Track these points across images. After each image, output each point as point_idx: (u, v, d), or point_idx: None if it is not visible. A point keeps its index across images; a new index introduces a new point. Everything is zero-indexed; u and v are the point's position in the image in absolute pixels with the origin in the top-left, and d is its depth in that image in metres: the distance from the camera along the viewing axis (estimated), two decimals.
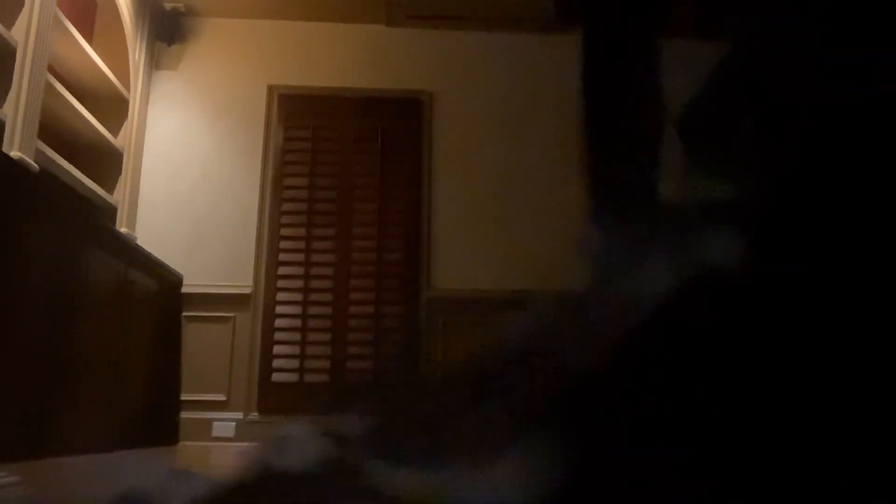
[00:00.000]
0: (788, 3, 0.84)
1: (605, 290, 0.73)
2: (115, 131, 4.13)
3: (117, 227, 4.05)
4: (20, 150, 2.98)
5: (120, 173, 4.15)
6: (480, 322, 4.42)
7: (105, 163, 4.10)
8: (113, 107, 4.16)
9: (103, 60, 3.90)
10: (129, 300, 3.40)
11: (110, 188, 4.08)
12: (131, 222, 4.24)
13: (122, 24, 4.15)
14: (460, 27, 4.84)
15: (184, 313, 4.24)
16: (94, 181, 3.78)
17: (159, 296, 3.90)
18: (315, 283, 4.40)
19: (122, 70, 4.17)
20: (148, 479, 0.73)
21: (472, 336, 4.38)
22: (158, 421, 3.81)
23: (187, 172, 4.51)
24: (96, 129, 3.82)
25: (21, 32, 3.06)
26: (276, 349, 4.29)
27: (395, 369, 4.32)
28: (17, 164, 2.73)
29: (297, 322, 4.34)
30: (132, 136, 4.26)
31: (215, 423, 4.13)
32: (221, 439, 4.11)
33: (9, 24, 3.03)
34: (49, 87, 3.29)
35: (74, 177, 3.55)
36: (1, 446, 2.21)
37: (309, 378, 4.27)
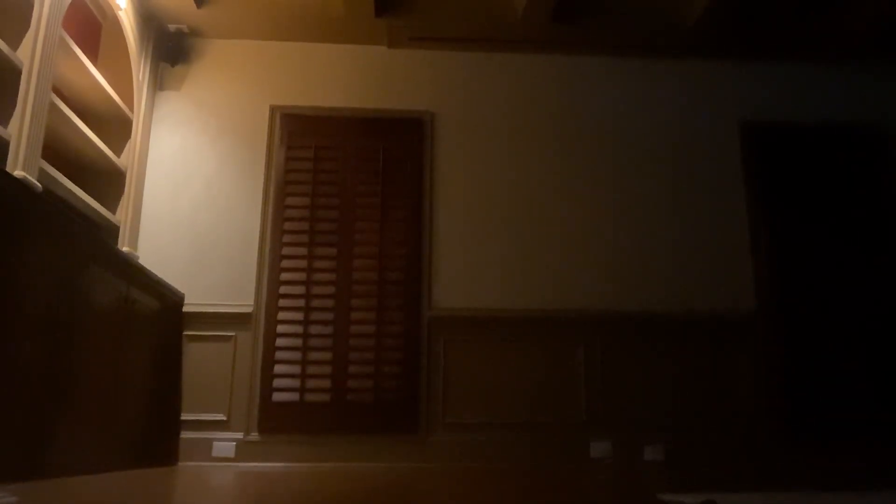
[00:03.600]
0: None
1: None
2: (118, 151, 4.16)
3: (120, 245, 4.06)
4: (24, 169, 3.00)
5: (123, 192, 4.17)
6: (482, 341, 4.42)
7: (108, 182, 4.12)
8: (116, 126, 4.19)
9: (107, 81, 3.93)
10: (130, 319, 3.40)
11: (113, 207, 4.10)
12: (133, 241, 4.25)
13: (126, 45, 4.19)
14: (461, 48, 4.89)
15: (185, 332, 4.25)
16: (96, 200, 3.80)
17: (161, 314, 3.90)
18: (316, 303, 4.39)
19: (125, 90, 4.21)
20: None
21: (473, 355, 4.37)
22: (158, 441, 3.80)
23: (190, 192, 4.52)
24: (100, 149, 3.84)
25: (26, 53, 3.09)
26: (277, 368, 4.28)
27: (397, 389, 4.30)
28: (21, 183, 2.74)
29: (299, 341, 4.33)
30: (135, 156, 4.29)
31: (215, 443, 4.11)
32: (221, 459, 4.09)
33: (14, 45, 3.06)
34: (53, 106, 3.32)
35: (77, 196, 3.57)
36: (1, 466, 2.20)
37: (310, 398, 4.26)
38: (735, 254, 4.65)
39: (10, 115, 3.00)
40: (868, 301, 4.60)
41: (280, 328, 4.34)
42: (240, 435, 4.16)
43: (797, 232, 4.70)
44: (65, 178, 3.43)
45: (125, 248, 4.09)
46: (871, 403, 4.40)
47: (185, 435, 4.09)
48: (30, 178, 3.01)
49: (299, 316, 4.36)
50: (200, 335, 4.26)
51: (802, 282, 4.61)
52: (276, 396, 4.24)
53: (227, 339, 4.29)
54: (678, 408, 4.34)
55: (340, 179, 4.60)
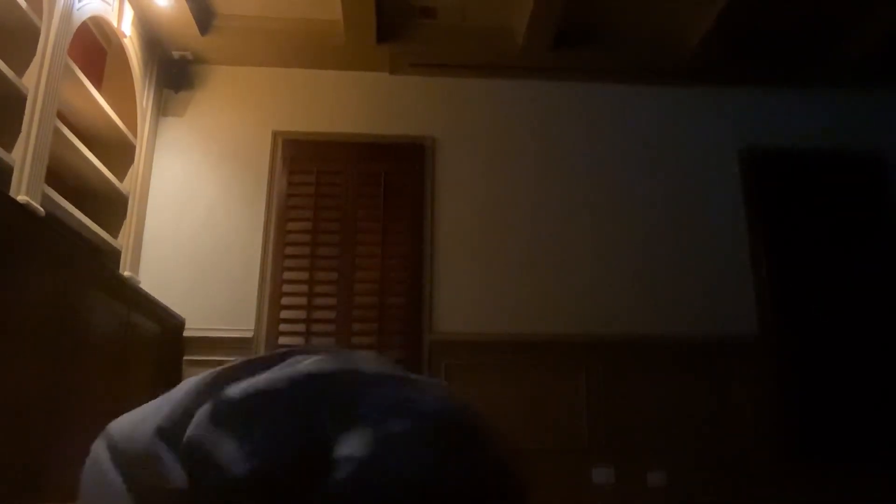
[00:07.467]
0: None
1: None
2: (121, 176, 4.18)
3: (121, 270, 4.07)
4: (27, 194, 3.01)
5: (125, 217, 4.18)
6: (482, 365, 4.39)
7: (110, 206, 4.14)
8: (120, 152, 4.21)
9: (111, 106, 3.96)
10: (130, 343, 3.39)
11: (115, 232, 4.11)
12: (135, 265, 4.25)
13: (130, 72, 4.24)
14: (462, 75, 4.93)
15: (185, 357, 4.23)
16: (99, 225, 3.81)
17: (161, 339, 3.89)
18: (317, 327, 4.38)
19: (129, 116, 4.24)
20: None
21: (474, 379, 4.35)
22: None
23: (192, 217, 4.54)
24: (103, 174, 3.86)
25: (32, 80, 3.12)
26: None
27: None
28: (24, 208, 2.75)
29: None
30: (138, 181, 4.31)
31: None
32: None
33: (20, 72, 3.10)
34: (58, 132, 3.34)
35: (80, 220, 3.58)
36: None
37: None
38: (737, 278, 4.65)
39: (15, 141, 3.03)
40: (870, 323, 4.58)
41: None
42: None
43: (798, 256, 4.70)
44: (68, 203, 3.45)
45: (126, 273, 4.09)
46: (875, 424, 4.37)
47: None
48: (33, 203, 3.03)
49: (300, 340, 4.35)
50: (201, 360, 4.24)
51: (804, 305, 4.60)
52: None
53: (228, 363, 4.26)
54: (681, 432, 4.31)
55: (342, 204, 4.62)
